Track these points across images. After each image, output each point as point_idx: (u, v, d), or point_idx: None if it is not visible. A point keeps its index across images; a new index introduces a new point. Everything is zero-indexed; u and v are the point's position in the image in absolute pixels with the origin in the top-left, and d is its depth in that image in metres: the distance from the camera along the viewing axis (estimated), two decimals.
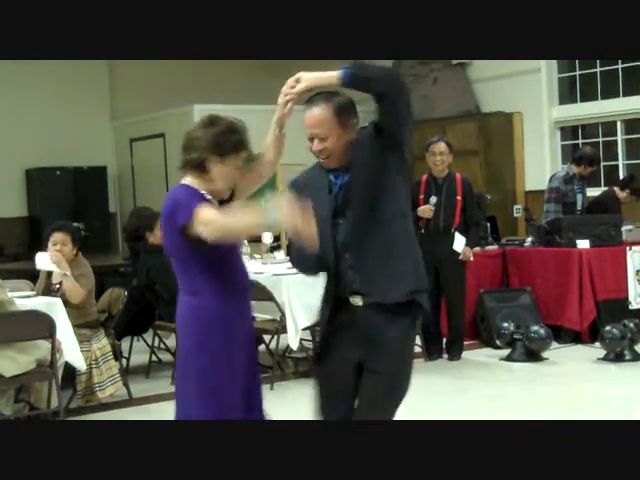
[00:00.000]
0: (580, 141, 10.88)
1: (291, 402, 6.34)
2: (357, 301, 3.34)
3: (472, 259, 7.48)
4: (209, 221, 3.25)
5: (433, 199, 7.31)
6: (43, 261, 6.06)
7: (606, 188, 9.23)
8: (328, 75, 3.16)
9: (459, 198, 7.36)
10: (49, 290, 6.13)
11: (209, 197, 3.45)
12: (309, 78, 3.19)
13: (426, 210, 7.31)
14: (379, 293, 3.32)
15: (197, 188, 3.45)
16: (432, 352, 7.49)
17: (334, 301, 3.39)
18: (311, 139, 3.30)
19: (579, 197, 8.46)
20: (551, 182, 8.57)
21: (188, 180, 3.48)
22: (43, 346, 5.42)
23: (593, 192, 9.05)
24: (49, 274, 6.16)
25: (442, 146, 7.36)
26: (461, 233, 7.35)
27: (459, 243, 7.33)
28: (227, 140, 3.41)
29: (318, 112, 3.26)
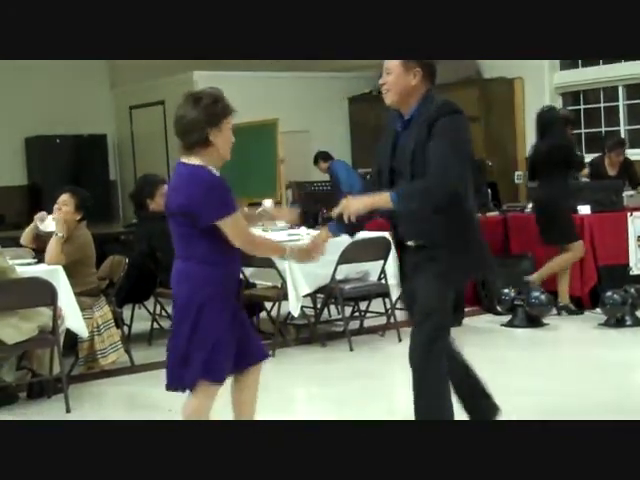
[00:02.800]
0: (582, 107, 10.84)
1: (292, 369, 6.38)
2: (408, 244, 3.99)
3: None
4: (243, 233, 3.72)
5: None
6: (45, 222, 6.10)
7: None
8: (383, 199, 3.71)
9: None
10: (36, 236, 6.19)
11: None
12: (364, 204, 3.74)
13: None
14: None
15: (214, 171, 3.69)
16: None
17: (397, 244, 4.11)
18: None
19: None
20: None
21: (198, 160, 3.68)
22: (45, 313, 5.43)
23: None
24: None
25: None
26: None
27: None
28: (216, 109, 3.67)
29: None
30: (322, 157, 10.86)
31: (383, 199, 3.70)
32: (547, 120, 7.58)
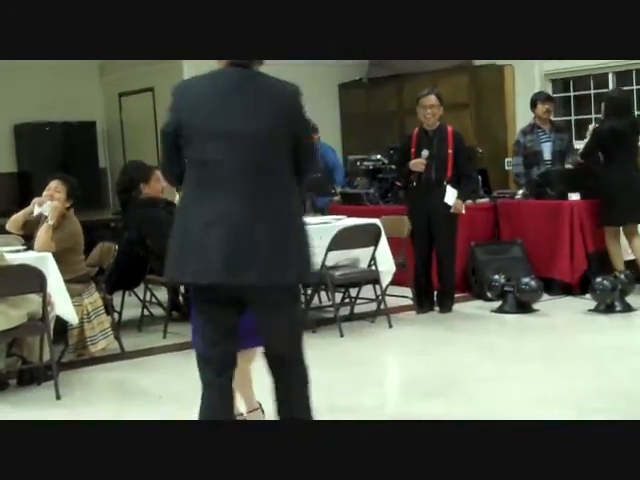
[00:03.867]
0: (572, 93, 10.84)
1: None
2: None
3: (464, 212, 7.47)
4: None
5: (425, 152, 7.28)
6: (43, 207, 6.08)
7: None
8: None
9: (450, 151, 7.33)
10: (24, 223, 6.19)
11: None
12: None
13: (418, 164, 7.30)
14: None
15: None
16: (423, 305, 7.52)
17: None
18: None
19: (546, 146, 8.44)
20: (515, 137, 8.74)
21: None
22: (34, 300, 5.42)
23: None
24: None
25: (432, 99, 7.32)
26: (453, 186, 7.33)
27: (451, 196, 7.32)
28: None
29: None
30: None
31: None
32: (622, 101, 7.90)
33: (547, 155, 8.45)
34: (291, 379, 3.58)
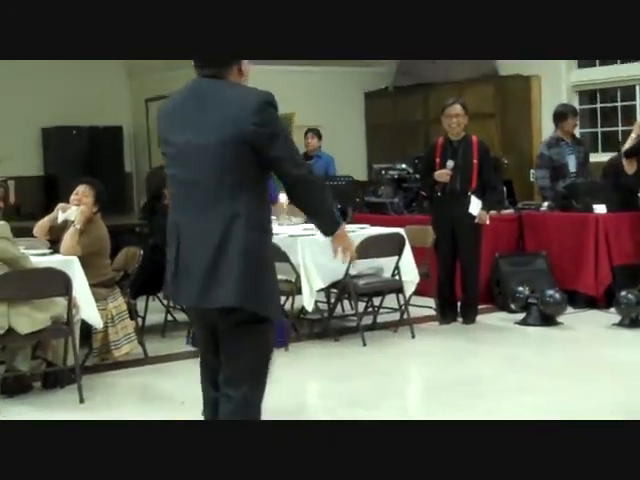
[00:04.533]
0: (598, 105, 10.81)
1: (305, 363, 6.39)
2: None
3: (488, 223, 7.45)
4: None
5: (450, 163, 7.27)
6: (68, 212, 6.13)
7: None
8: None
9: (475, 161, 7.32)
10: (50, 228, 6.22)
11: None
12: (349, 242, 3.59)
13: (443, 174, 7.29)
14: None
15: None
16: (446, 315, 7.50)
17: None
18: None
19: (571, 159, 8.42)
20: (539, 149, 8.67)
21: None
22: (59, 303, 5.45)
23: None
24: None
25: (457, 108, 7.31)
26: (477, 196, 7.32)
27: (475, 206, 7.31)
28: None
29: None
30: (316, 133, 10.19)
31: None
32: None
33: (572, 167, 8.43)
34: (224, 409, 3.44)
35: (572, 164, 8.43)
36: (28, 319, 5.31)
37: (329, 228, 3.48)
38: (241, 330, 3.36)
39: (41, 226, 6.34)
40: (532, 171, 10.00)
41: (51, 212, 6.34)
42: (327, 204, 3.46)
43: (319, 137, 10.13)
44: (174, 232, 3.42)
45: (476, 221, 7.32)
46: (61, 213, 6.17)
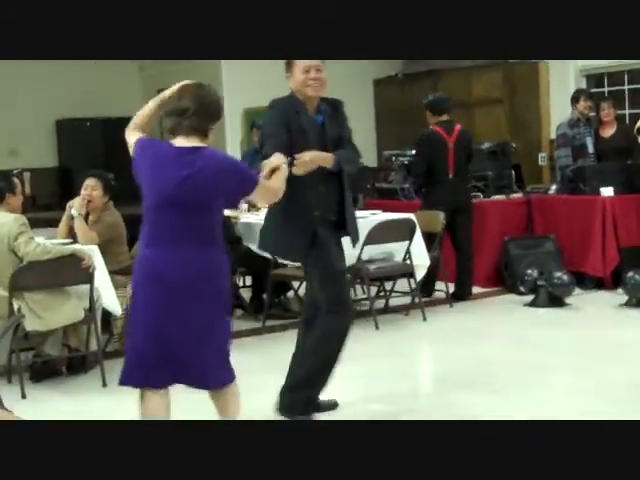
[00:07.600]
0: (606, 89, 10.88)
1: None
2: None
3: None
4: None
5: None
6: (76, 206, 6.28)
7: None
8: (329, 157, 4.46)
9: None
10: (70, 228, 6.34)
11: None
12: (317, 157, 4.40)
13: None
14: None
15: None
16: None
17: None
18: (307, 71, 4.43)
19: (588, 140, 8.54)
20: (558, 129, 8.76)
21: (203, 143, 3.80)
22: (86, 294, 5.61)
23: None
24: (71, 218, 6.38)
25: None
26: None
27: None
28: (219, 109, 3.91)
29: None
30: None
31: (329, 158, 4.43)
32: None
33: (590, 149, 8.54)
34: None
35: (590, 145, 8.55)
36: (76, 309, 5.51)
37: None
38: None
39: (60, 230, 6.43)
40: (541, 155, 10.11)
41: (64, 207, 6.47)
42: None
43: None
44: None
45: None
46: (73, 210, 6.31)
